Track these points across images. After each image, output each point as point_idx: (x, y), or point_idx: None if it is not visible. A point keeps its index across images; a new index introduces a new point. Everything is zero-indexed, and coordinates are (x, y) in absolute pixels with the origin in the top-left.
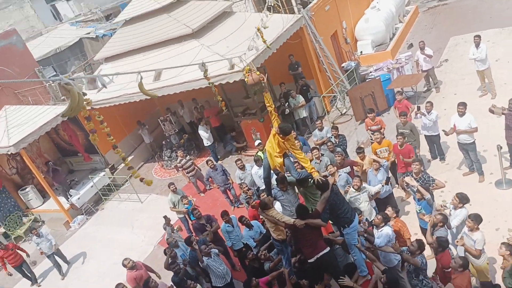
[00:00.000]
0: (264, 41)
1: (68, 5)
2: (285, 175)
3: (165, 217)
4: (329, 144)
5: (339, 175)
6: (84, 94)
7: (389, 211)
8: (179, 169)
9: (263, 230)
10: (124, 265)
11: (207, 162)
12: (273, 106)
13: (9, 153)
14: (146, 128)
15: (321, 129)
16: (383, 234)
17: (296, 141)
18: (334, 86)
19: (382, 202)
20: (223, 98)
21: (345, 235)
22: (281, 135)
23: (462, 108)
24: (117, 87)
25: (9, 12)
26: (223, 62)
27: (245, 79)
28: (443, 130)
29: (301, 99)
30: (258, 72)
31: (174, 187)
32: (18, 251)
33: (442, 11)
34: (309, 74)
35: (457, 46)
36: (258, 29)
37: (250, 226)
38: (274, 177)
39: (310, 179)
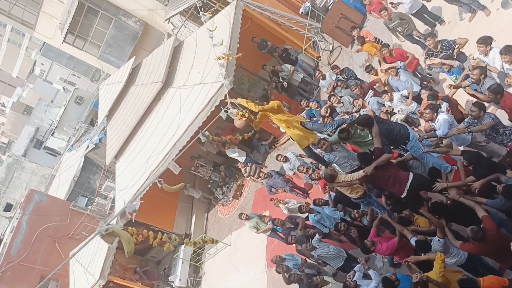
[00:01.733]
0: (228, 57)
1: (54, 138)
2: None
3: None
4: (339, 83)
5: (368, 101)
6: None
7: (423, 93)
8: (248, 178)
9: None
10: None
11: (276, 158)
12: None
13: (101, 286)
14: (189, 186)
15: (323, 78)
16: (441, 123)
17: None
18: (307, 34)
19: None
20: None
21: (410, 149)
22: (265, 102)
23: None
24: (139, 174)
25: (16, 179)
26: (205, 87)
27: (236, 121)
28: None
29: (288, 67)
30: (246, 116)
31: (245, 216)
32: None
33: None
34: (279, 41)
35: None
36: (218, 58)
37: (326, 204)
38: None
39: (350, 127)
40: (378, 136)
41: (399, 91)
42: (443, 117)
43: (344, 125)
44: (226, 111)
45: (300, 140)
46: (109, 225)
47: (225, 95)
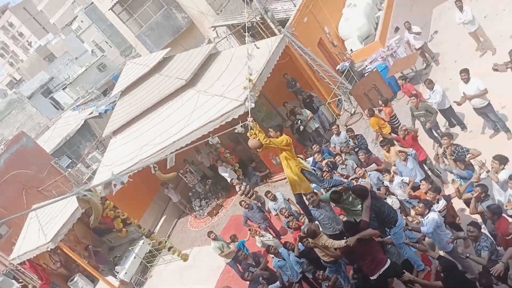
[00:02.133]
0: (251, 81)
1: (65, 93)
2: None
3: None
4: (343, 149)
5: (369, 174)
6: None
7: (423, 184)
8: (242, 197)
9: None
10: None
11: (240, 203)
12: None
13: (49, 249)
14: (171, 187)
15: (338, 134)
16: (429, 220)
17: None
18: (335, 90)
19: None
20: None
21: (393, 235)
22: (278, 133)
23: (464, 74)
24: (131, 155)
25: (13, 116)
26: (223, 101)
27: (250, 140)
28: (455, 102)
29: (307, 113)
30: (260, 137)
31: (214, 235)
32: None
33: None
34: (308, 86)
35: (441, 15)
36: (250, 80)
37: (278, 255)
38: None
39: (344, 192)
40: (368, 210)
41: (402, 176)
42: (433, 216)
43: (340, 188)
44: (242, 126)
45: (295, 184)
46: (90, 191)
47: (249, 113)
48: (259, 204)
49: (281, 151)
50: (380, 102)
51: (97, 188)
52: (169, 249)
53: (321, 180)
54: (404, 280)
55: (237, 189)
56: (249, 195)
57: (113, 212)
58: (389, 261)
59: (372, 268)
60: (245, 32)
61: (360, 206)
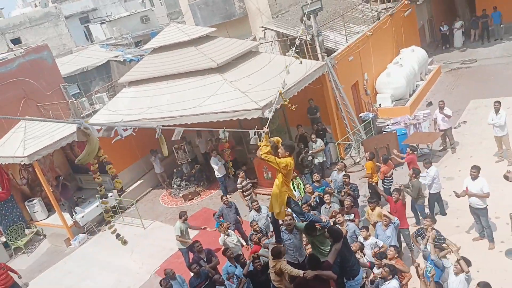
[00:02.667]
0: (281, 95)
1: (101, 27)
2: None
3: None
4: (329, 196)
5: (347, 225)
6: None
7: (391, 251)
8: (239, 190)
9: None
10: None
11: (221, 198)
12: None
13: (22, 163)
14: (159, 157)
15: (341, 172)
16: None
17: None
18: (350, 134)
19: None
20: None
21: (347, 287)
22: (287, 153)
23: (474, 171)
24: (136, 111)
25: (44, 28)
26: (243, 98)
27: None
28: (454, 192)
29: (321, 143)
30: (263, 149)
31: (185, 218)
32: (10, 273)
33: (465, 74)
34: (326, 120)
35: (477, 109)
36: (280, 92)
37: (232, 260)
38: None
39: (319, 228)
40: (335, 253)
41: (377, 238)
42: (394, 284)
43: (317, 224)
44: (255, 133)
45: (276, 205)
46: (92, 126)
47: (267, 123)
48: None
49: (278, 172)
50: (381, 158)
51: (96, 127)
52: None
53: (302, 213)
54: None
55: (239, 181)
56: (245, 193)
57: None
58: None
59: None
60: (291, 45)
61: (329, 247)
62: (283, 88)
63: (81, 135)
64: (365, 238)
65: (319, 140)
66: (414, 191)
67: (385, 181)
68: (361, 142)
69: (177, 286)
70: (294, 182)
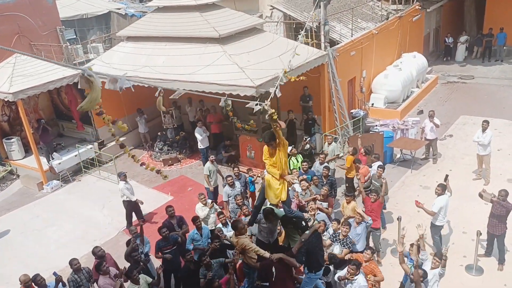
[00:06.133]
0: (286, 73)
1: None
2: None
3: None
4: (314, 178)
5: (317, 213)
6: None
7: (367, 254)
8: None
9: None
10: (94, 253)
11: (226, 178)
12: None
13: (6, 99)
14: (144, 118)
15: (322, 163)
16: (359, 282)
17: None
18: (338, 128)
19: None
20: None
21: (305, 277)
22: (272, 143)
23: (439, 189)
24: (130, 67)
25: None
26: (239, 74)
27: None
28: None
29: (334, 148)
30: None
31: (213, 158)
32: None
33: (460, 88)
34: (318, 110)
35: (465, 125)
36: (285, 71)
37: (200, 229)
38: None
39: (295, 222)
40: (301, 244)
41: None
42: (360, 281)
43: (294, 218)
44: (259, 104)
45: (273, 196)
46: (97, 74)
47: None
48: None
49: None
50: (362, 151)
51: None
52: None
53: (289, 211)
54: None
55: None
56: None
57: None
58: None
59: None
60: (297, 29)
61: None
62: (288, 68)
63: (84, 82)
64: (335, 230)
65: (333, 144)
66: (385, 188)
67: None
68: (347, 138)
69: (147, 246)
70: (291, 159)
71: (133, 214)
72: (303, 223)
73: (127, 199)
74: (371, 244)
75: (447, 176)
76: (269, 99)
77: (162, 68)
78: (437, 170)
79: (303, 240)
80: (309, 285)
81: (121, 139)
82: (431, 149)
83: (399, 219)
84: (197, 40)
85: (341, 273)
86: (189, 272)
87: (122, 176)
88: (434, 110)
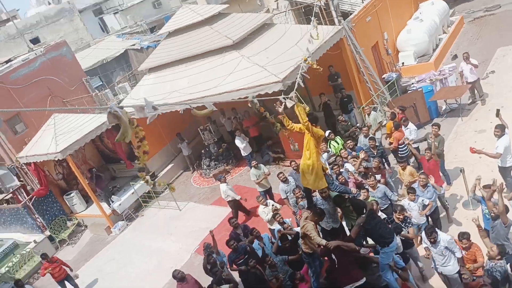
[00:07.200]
0: (306, 60)
1: (115, 18)
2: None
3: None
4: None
5: (378, 187)
6: (132, 122)
7: (464, 242)
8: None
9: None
10: (174, 276)
11: (278, 176)
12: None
13: (56, 159)
14: (186, 142)
15: (366, 136)
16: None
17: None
18: (374, 97)
19: None
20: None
21: (381, 253)
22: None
23: (498, 130)
24: (158, 96)
25: (60, 24)
26: (262, 73)
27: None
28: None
29: (375, 116)
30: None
31: (255, 163)
32: (62, 266)
33: (489, 22)
34: (349, 85)
35: (505, 56)
36: (305, 59)
37: (261, 239)
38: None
39: (348, 199)
40: (358, 227)
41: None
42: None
43: (346, 195)
44: (285, 99)
45: (310, 178)
46: (122, 108)
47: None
48: None
49: (308, 143)
50: (397, 109)
51: (128, 109)
52: (167, 186)
53: (331, 183)
54: None
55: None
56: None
57: (140, 131)
58: (364, 279)
59: (345, 280)
60: (307, 13)
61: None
62: (309, 57)
63: (111, 118)
64: (411, 200)
65: (373, 113)
66: (441, 146)
67: (400, 148)
68: (387, 104)
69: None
70: (331, 143)
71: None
72: (348, 195)
73: (232, 198)
74: (439, 204)
75: (498, 110)
76: (294, 92)
77: (189, 89)
78: (488, 110)
79: (360, 223)
80: (387, 260)
81: (170, 165)
82: (476, 92)
83: (461, 171)
84: (214, 52)
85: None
86: (256, 277)
87: (222, 179)
88: (467, 51)
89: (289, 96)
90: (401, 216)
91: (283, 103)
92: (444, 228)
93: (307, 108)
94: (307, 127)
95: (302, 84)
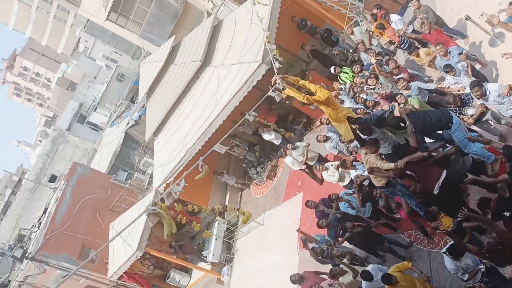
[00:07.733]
0: (269, 43)
1: (97, 113)
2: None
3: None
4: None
5: (410, 86)
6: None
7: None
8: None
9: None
10: (293, 282)
11: (317, 138)
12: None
13: (138, 257)
14: (225, 173)
15: (366, 51)
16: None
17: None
18: (348, 13)
19: None
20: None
21: (453, 134)
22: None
23: None
24: (177, 150)
25: (61, 152)
26: (242, 68)
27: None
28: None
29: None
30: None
31: (292, 145)
32: None
33: None
34: (320, 21)
35: None
36: (268, 41)
37: (342, 199)
38: None
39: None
40: (412, 136)
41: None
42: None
43: (381, 117)
44: (274, 91)
45: (347, 133)
46: (155, 207)
47: (275, 75)
48: None
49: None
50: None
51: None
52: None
53: (365, 119)
54: (469, 183)
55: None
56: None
57: (183, 207)
58: (445, 172)
59: (431, 184)
60: None
61: (404, 129)
62: (267, 37)
63: (152, 218)
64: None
65: (356, 28)
66: (430, 13)
67: (401, 42)
68: (362, 11)
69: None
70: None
71: None
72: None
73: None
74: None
75: None
76: (277, 77)
77: (197, 124)
78: None
79: (412, 130)
80: (462, 136)
81: (227, 195)
82: None
83: (467, 18)
84: (193, 80)
85: None
86: (363, 234)
87: (283, 154)
88: None
89: (273, 85)
90: (458, 103)
91: (283, 84)
92: (489, 77)
93: (301, 82)
94: (310, 100)
95: (277, 66)
